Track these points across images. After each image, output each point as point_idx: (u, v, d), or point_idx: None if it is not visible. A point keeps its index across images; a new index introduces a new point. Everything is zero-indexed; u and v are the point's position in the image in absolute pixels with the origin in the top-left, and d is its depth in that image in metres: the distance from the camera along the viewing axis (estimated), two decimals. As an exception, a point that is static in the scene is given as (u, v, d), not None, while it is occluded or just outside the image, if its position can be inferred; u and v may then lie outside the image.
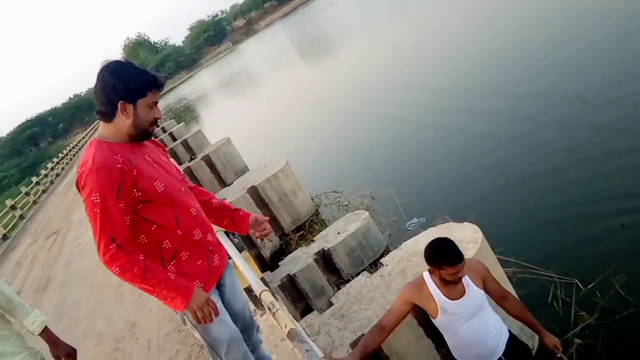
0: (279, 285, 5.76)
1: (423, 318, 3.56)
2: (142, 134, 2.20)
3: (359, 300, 3.92)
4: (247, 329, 2.52)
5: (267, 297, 2.50)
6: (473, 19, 16.63)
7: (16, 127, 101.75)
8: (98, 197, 1.99)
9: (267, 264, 7.59)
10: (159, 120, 2.26)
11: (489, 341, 3.01)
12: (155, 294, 2.12)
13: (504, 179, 6.71)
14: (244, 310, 2.50)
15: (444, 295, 3.00)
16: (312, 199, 8.98)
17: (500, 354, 3.02)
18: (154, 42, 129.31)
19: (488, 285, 3.12)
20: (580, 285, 4.16)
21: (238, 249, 3.45)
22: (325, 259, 6.01)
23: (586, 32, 10.22)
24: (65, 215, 13.52)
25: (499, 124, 8.30)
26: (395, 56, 18.17)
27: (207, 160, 11.40)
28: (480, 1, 18.77)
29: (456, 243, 3.93)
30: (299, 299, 5.76)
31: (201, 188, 2.63)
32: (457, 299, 2.99)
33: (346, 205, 8.33)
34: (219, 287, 2.36)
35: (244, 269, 2.93)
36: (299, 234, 8.05)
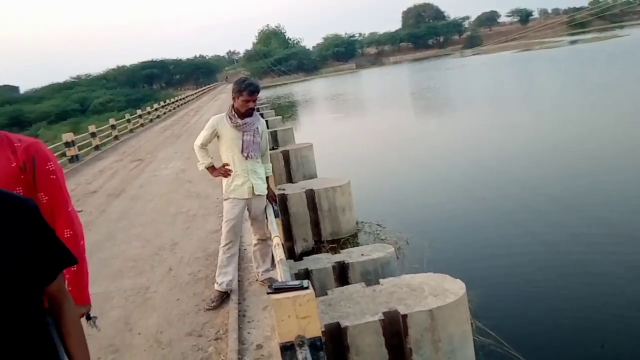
0: (295, 273, 6.58)
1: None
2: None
3: (347, 299, 4.67)
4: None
5: (276, 240, 3.38)
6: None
7: (139, 62, 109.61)
8: None
9: (295, 256, 8.45)
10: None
11: None
12: None
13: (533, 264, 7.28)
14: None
15: None
16: (357, 223, 9.76)
17: None
18: (288, 37, 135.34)
19: None
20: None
21: (275, 215, 4.41)
22: (341, 269, 6.77)
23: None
24: (153, 149, 15.02)
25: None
26: (498, 132, 18.68)
27: (285, 155, 12.47)
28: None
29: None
30: (306, 291, 6.55)
31: None
32: None
33: (382, 240, 9.02)
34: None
35: (270, 223, 3.85)
36: (332, 245, 8.84)
